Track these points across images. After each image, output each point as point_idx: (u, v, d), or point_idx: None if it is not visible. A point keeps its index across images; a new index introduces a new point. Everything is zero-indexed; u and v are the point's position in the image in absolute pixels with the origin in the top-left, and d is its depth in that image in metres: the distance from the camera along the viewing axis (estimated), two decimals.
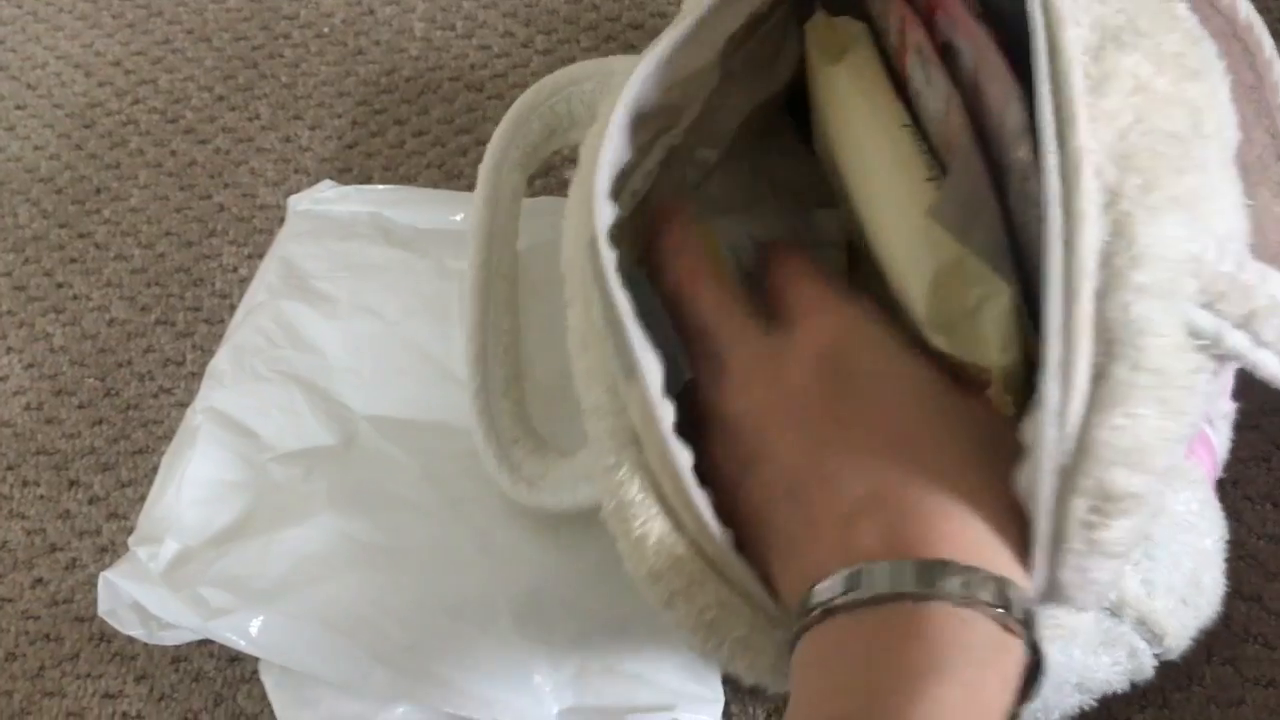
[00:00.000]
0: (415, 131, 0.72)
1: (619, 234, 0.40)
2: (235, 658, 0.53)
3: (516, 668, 0.48)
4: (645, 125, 0.43)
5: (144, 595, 0.49)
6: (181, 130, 0.75)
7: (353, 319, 0.57)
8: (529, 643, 0.48)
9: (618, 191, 0.43)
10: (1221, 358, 0.34)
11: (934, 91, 0.42)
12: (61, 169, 0.74)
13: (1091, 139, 0.31)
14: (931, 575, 0.29)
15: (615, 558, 0.51)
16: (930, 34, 0.43)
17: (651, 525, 0.36)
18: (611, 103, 0.40)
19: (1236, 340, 0.33)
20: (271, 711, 0.51)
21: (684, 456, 0.35)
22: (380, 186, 0.63)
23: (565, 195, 0.42)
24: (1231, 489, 0.53)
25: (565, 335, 0.41)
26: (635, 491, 0.36)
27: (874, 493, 0.32)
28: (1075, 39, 0.33)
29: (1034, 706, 0.39)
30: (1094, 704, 0.42)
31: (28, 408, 0.64)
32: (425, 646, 0.48)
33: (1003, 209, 0.40)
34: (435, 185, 0.70)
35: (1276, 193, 0.41)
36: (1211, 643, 0.50)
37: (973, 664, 0.29)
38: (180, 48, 0.80)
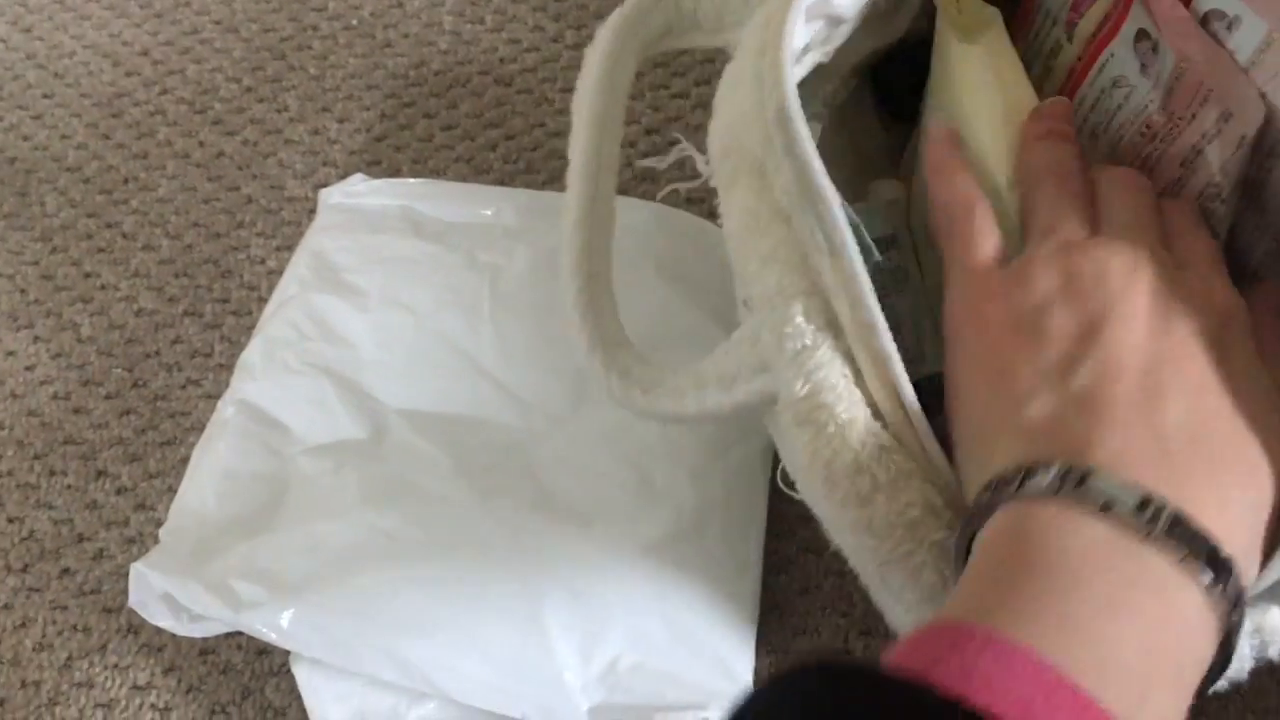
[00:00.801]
0: (444, 125, 0.72)
1: None
2: (264, 650, 0.53)
3: (547, 664, 0.48)
4: (812, 21, 0.41)
5: (175, 587, 0.49)
6: (210, 121, 0.75)
7: (383, 312, 0.56)
8: (560, 639, 0.48)
9: None
10: None
11: (1151, 75, 0.39)
12: (89, 158, 0.74)
13: None
14: (1149, 511, 0.26)
15: (648, 554, 0.51)
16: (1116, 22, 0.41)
17: (856, 412, 0.33)
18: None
19: None
20: (300, 705, 0.51)
21: (892, 342, 0.33)
22: (411, 180, 0.62)
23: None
24: None
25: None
26: (836, 376, 0.34)
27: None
28: None
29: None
30: None
31: (55, 397, 0.64)
32: (455, 641, 0.48)
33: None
34: (463, 179, 0.69)
35: None
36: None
37: (1156, 618, 0.26)
38: (208, 38, 0.80)
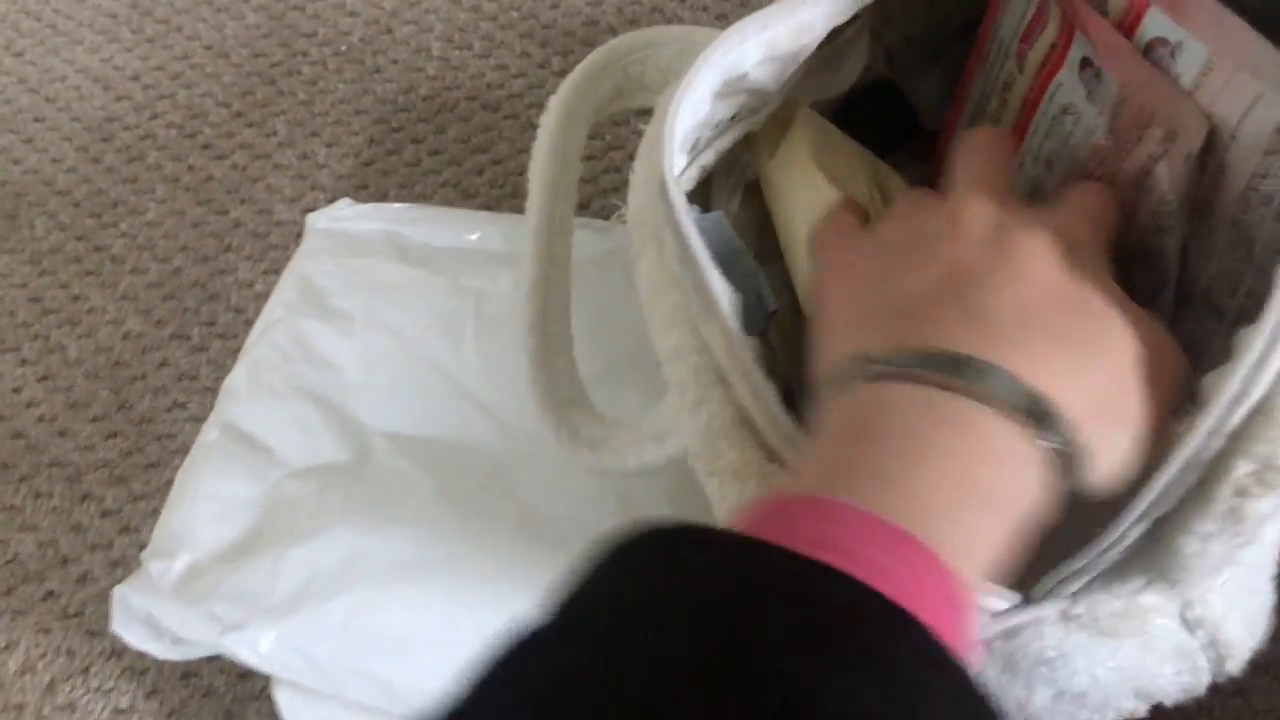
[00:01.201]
0: (431, 150, 0.73)
1: (692, 193, 0.39)
2: (245, 674, 0.53)
3: None
4: (731, 98, 0.42)
5: (158, 609, 0.49)
6: (199, 145, 0.76)
7: (368, 336, 0.57)
8: None
9: (692, 152, 0.42)
10: None
11: (1096, 101, 0.40)
12: (79, 182, 0.75)
13: None
14: (959, 365, 0.29)
15: None
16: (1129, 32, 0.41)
17: (749, 454, 0.34)
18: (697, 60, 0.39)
19: None
20: None
21: (769, 390, 0.34)
22: (397, 205, 0.63)
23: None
24: None
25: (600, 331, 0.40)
26: (727, 425, 0.35)
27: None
28: None
29: (1095, 701, 0.39)
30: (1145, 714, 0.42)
31: (41, 420, 0.64)
32: (437, 663, 0.48)
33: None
34: (450, 204, 0.70)
35: None
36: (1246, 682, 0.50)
37: (964, 454, 0.28)
38: (199, 63, 0.80)
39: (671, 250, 0.36)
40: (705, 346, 0.36)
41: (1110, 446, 0.31)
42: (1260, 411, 0.31)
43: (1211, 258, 0.38)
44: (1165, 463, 0.31)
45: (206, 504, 0.53)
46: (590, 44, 0.77)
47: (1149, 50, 0.38)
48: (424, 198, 0.71)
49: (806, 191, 0.43)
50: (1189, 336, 0.39)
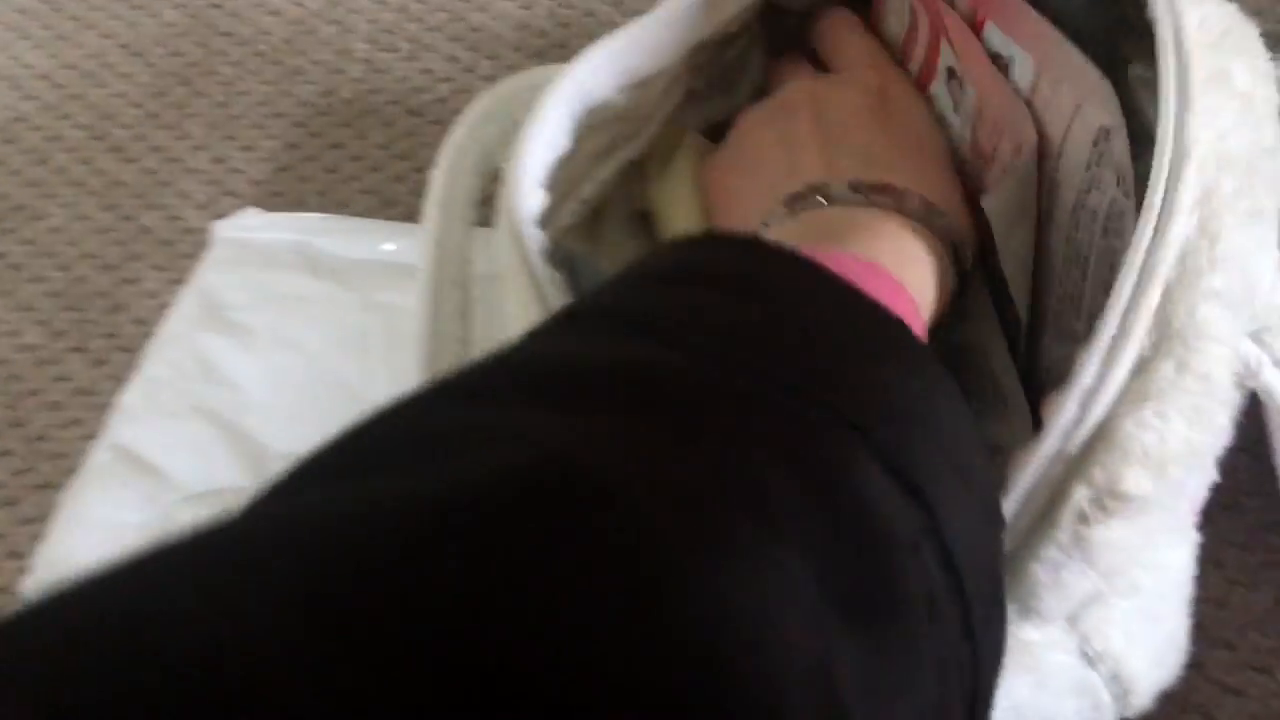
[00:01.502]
0: (352, 156, 0.70)
1: (574, 232, 0.39)
2: None
3: None
4: (603, 128, 0.41)
5: None
6: (109, 148, 0.72)
7: (272, 353, 0.54)
8: None
9: (562, 194, 0.41)
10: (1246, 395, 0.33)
11: (961, 113, 0.40)
12: None
13: (1202, 129, 0.31)
14: (856, 190, 0.36)
15: None
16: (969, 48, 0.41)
17: None
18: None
19: (1271, 379, 0.32)
20: None
21: None
22: (308, 215, 0.60)
23: None
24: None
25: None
26: None
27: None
28: (1195, 25, 0.32)
29: None
30: None
31: None
32: None
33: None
34: (370, 212, 0.67)
35: None
36: (1151, 714, 0.49)
37: (893, 236, 0.35)
38: (112, 62, 0.77)
39: (526, 291, 0.35)
40: None
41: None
42: (1099, 436, 0.30)
43: (1054, 279, 0.37)
44: (1007, 492, 0.31)
45: (94, 531, 0.50)
46: (520, 48, 0.75)
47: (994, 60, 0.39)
48: (343, 205, 0.68)
49: (690, 220, 0.42)
50: (1053, 365, 0.38)
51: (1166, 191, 0.30)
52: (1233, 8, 0.35)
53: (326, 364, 0.54)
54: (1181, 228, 0.30)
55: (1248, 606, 0.51)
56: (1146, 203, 0.30)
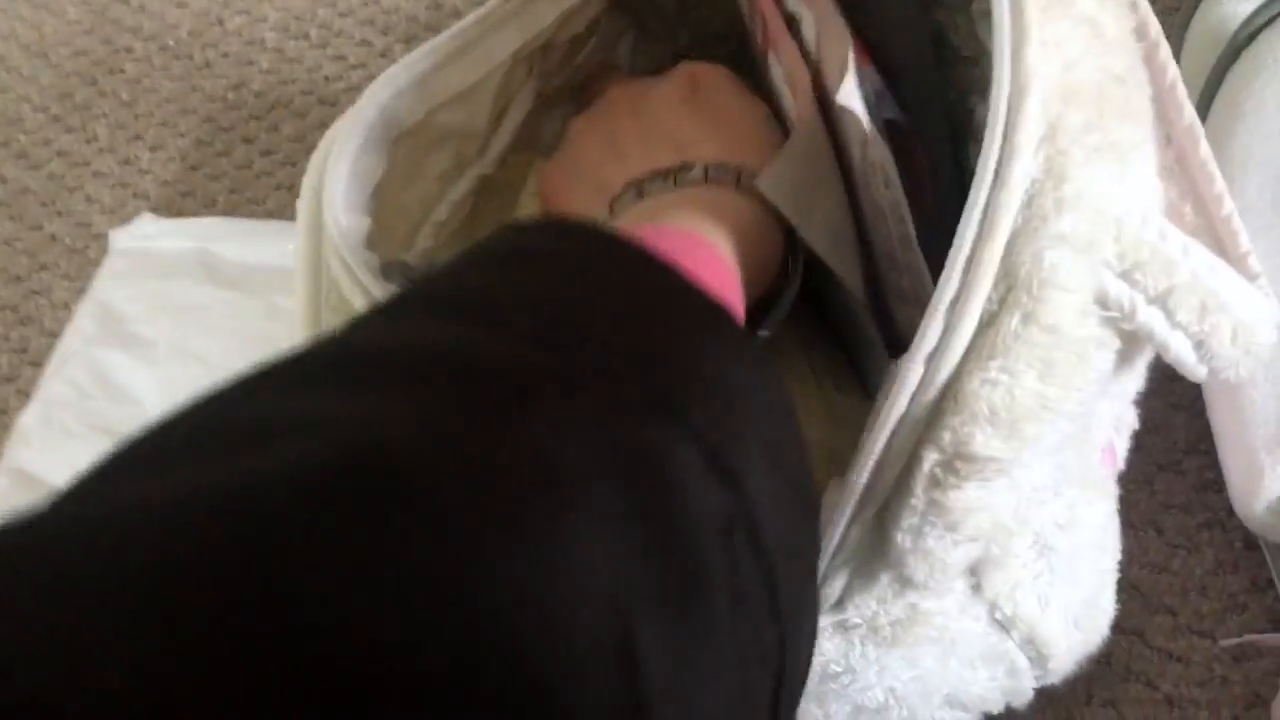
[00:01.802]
0: (264, 150, 0.68)
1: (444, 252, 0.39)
2: None
3: None
4: (439, 147, 0.40)
5: None
6: (13, 155, 0.70)
7: (172, 365, 0.52)
8: None
9: (414, 219, 0.41)
10: (1130, 338, 0.31)
11: (775, 77, 0.39)
12: None
13: (1042, 62, 0.28)
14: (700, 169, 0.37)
15: None
16: (780, 7, 0.40)
17: None
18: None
19: (1149, 316, 0.30)
20: None
21: None
22: (207, 220, 0.58)
23: None
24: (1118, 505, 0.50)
25: None
26: None
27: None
28: None
29: (900, 714, 0.36)
30: None
31: None
32: None
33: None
34: (284, 207, 0.65)
35: (1166, 177, 0.39)
36: (1091, 683, 0.48)
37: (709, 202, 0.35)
38: (14, 65, 0.75)
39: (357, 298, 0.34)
40: None
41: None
42: (946, 396, 0.28)
43: (872, 239, 0.36)
44: (858, 462, 0.29)
45: None
46: (434, 29, 0.72)
47: (790, 25, 0.38)
48: (255, 202, 0.66)
49: None
50: (903, 328, 0.37)
51: (1006, 132, 0.28)
52: None
53: (229, 374, 0.52)
54: (1023, 169, 0.28)
55: (1189, 570, 0.50)
56: (984, 146, 0.28)
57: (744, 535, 0.22)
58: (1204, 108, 0.50)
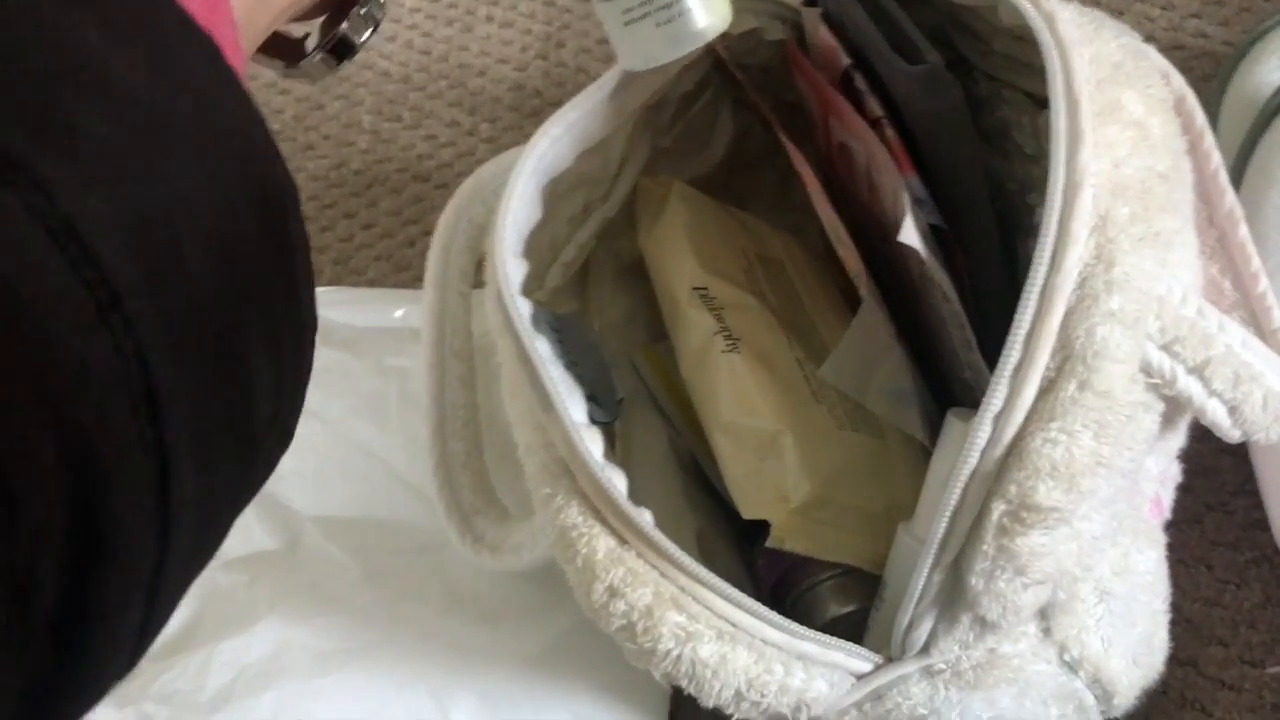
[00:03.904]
0: (364, 225, 0.74)
1: (561, 293, 0.42)
2: None
3: None
4: (572, 193, 0.44)
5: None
6: None
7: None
8: None
9: (545, 260, 0.45)
10: (1173, 403, 0.35)
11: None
12: None
13: (1094, 161, 0.33)
14: None
15: (555, 648, 0.52)
16: (826, 137, 0.45)
17: (597, 543, 0.36)
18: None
19: (1188, 384, 0.34)
20: None
21: (613, 482, 0.36)
22: (320, 289, 0.64)
23: None
24: (1165, 551, 0.54)
25: None
26: (575, 515, 0.36)
27: None
28: (1084, 64, 0.34)
29: None
30: None
31: None
32: None
33: (896, 305, 0.42)
34: (384, 277, 0.71)
35: (1209, 255, 0.43)
36: (1149, 710, 0.51)
37: None
38: None
39: (513, 353, 0.38)
40: (550, 442, 0.37)
41: None
42: (1012, 454, 0.32)
43: (936, 341, 0.40)
44: (938, 512, 0.33)
45: None
46: (517, 109, 0.78)
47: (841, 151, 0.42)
48: (357, 273, 0.72)
49: (683, 263, 0.44)
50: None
51: (1061, 222, 0.32)
52: (1128, 39, 0.37)
53: (344, 428, 0.57)
54: (1077, 255, 0.32)
55: (1238, 604, 0.53)
56: (1041, 234, 0.32)
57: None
58: (1238, 172, 0.54)
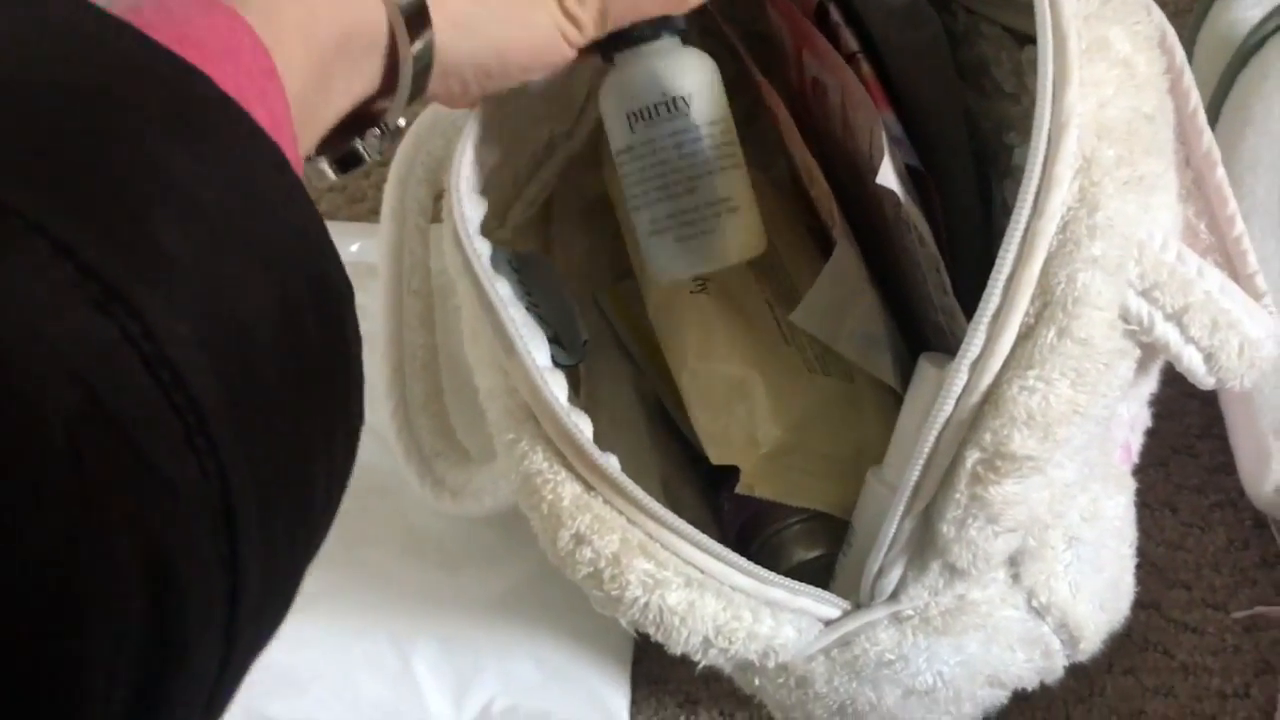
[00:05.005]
0: None
1: (524, 231, 0.41)
2: None
3: (418, 713, 0.48)
4: (535, 127, 0.43)
5: None
6: None
7: None
8: (431, 687, 0.48)
9: (509, 197, 0.43)
10: (1149, 349, 0.34)
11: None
12: None
13: (1080, 101, 0.32)
14: None
15: (517, 593, 0.51)
16: (799, 71, 0.43)
17: (562, 489, 0.35)
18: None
19: (1166, 331, 0.33)
20: None
21: (579, 426, 0.34)
22: None
23: None
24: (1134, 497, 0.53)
25: None
26: (539, 461, 0.35)
27: None
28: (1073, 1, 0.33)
29: (946, 695, 0.40)
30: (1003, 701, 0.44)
31: None
32: (324, 698, 0.48)
33: (869, 245, 0.41)
34: (337, 209, 0.69)
35: (1185, 197, 0.42)
36: (1112, 653, 0.51)
37: None
38: None
39: (473, 296, 0.36)
40: (514, 387, 0.36)
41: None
42: (988, 401, 0.32)
43: (909, 283, 0.39)
44: (911, 459, 0.33)
45: None
46: None
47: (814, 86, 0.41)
48: None
49: None
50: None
51: (1045, 165, 0.31)
52: None
53: None
54: (1060, 199, 0.31)
55: (1203, 547, 0.53)
56: (1025, 177, 0.31)
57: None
58: (1214, 112, 0.53)
